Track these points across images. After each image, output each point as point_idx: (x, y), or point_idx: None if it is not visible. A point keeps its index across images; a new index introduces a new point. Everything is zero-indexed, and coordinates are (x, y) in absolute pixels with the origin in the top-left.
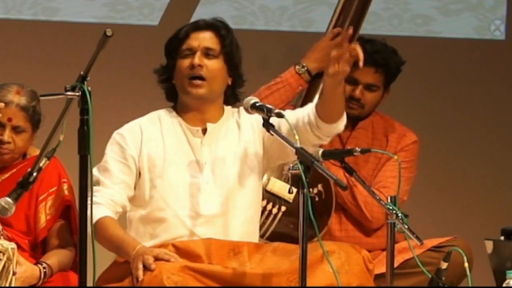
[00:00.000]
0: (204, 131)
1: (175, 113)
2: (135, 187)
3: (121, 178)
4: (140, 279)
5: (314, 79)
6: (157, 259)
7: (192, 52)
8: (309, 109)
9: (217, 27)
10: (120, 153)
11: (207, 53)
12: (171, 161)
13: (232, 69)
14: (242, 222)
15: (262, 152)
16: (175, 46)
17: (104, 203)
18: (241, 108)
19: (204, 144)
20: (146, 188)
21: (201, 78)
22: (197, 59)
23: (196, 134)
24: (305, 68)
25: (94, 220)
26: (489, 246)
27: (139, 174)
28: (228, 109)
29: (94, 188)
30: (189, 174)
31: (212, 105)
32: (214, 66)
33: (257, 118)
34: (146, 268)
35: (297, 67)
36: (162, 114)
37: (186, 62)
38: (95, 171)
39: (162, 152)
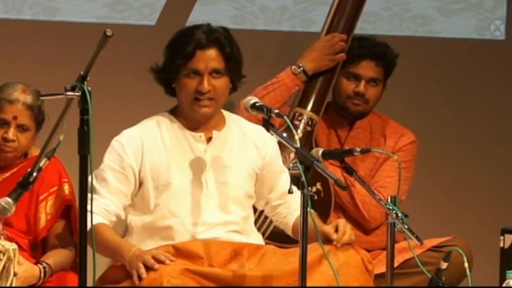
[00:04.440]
0: (208, 138)
1: (173, 117)
2: (135, 195)
3: (117, 188)
4: (144, 276)
5: (311, 79)
6: (154, 259)
7: (198, 74)
8: (288, 213)
9: (221, 43)
10: (118, 162)
11: (215, 73)
12: (174, 169)
13: (236, 78)
14: (243, 232)
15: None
16: (179, 63)
17: (98, 213)
18: (241, 119)
19: (207, 151)
20: (151, 196)
21: (209, 98)
22: (206, 84)
23: (199, 140)
24: (301, 68)
25: (88, 227)
26: (508, 240)
27: (140, 184)
28: (227, 114)
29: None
30: (193, 182)
31: (216, 115)
32: (221, 84)
33: (264, 143)
34: (148, 268)
35: (293, 67)
36: (161, 119)
37: (193, 83)
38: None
39: (165, 159)
